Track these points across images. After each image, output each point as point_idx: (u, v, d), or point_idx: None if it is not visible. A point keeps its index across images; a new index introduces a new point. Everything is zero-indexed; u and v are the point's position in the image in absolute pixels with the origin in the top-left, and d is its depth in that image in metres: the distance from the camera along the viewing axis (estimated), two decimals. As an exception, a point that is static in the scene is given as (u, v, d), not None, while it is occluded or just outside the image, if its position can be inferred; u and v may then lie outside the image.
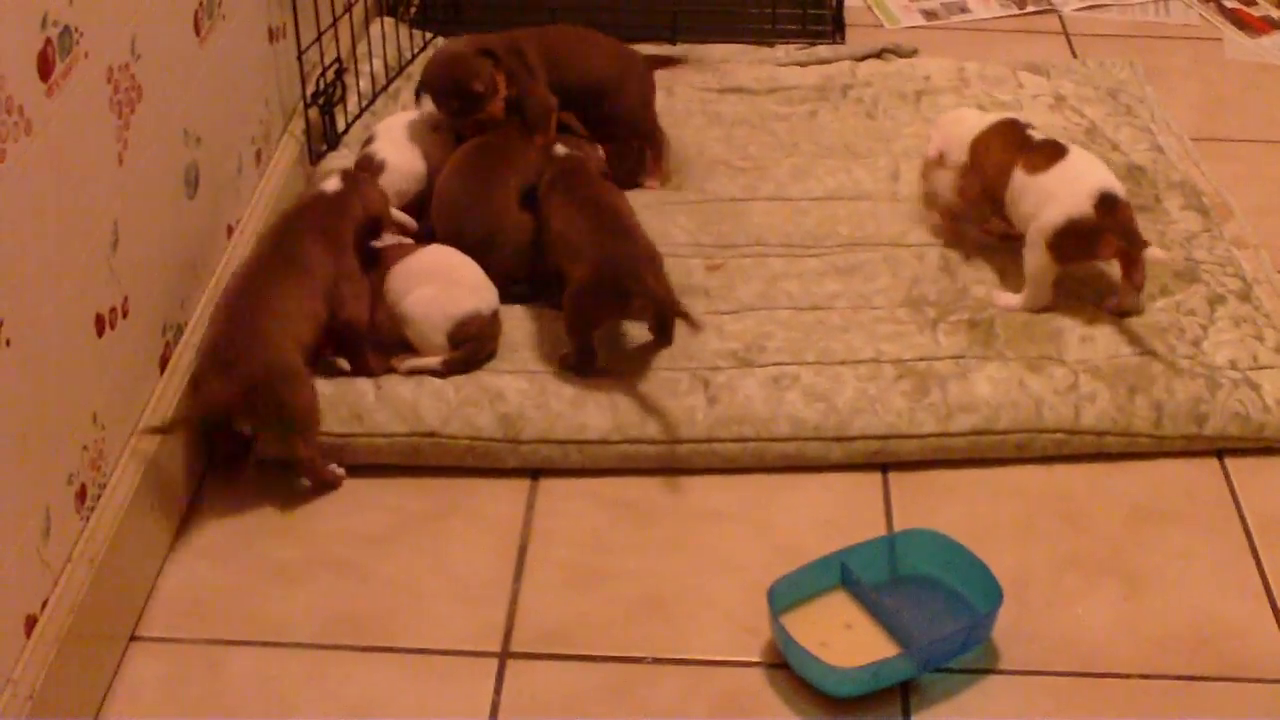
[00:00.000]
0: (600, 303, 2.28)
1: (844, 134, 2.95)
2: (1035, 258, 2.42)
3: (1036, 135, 2.53)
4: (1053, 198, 2.39)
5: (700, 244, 2.61)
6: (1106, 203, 2.37)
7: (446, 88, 2.54)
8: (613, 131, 2.75)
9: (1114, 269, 2.46)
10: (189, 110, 2.21)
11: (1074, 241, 2.38)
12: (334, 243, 2.29)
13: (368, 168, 2.54)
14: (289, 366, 2.13)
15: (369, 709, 1.87)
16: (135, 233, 2.01)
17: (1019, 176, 2.46)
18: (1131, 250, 2.37)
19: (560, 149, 2.53)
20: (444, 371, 2.27)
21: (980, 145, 2.57)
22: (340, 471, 2.20)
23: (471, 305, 2.29)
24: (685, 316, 2.24)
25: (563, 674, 1.92)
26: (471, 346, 2.29)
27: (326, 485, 2.18)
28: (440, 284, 2.30)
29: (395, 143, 2.57)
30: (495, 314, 2.33)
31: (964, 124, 2.63)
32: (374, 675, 1.91)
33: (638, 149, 2.80)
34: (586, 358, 2.30)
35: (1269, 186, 2.92)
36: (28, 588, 1.74)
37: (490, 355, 2.32)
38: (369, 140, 2.61)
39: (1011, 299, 2.46)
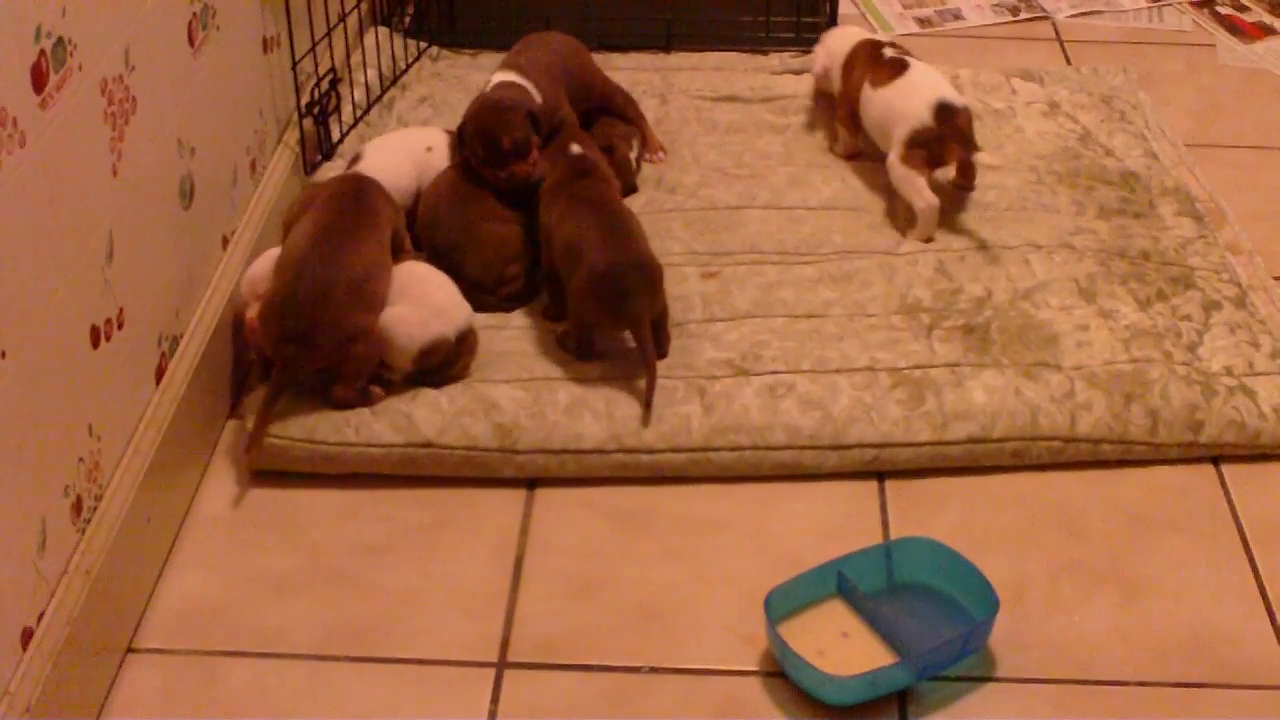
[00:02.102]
0: (594, 309, 2.29)
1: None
2: (894, 171, 2.64)
3: (888, 53, 2.76)
4: (897, 112, 2.63)
5: (695, 252, 2.61)
6: (944, 111, 2.60)
7: (476, 133, 2.49)
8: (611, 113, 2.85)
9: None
10: (183, 121, 2.21)
11: (922, 151, 2.60)
12: (392, 199, 2.41)
13: None
14: (358, 328, 2.21)
15: (367, 719, 1.88)
16: (130, 244, 2.01)
17: (865, 90, 2.72)
18: (965, 154, 2.65)
19: (575, 148, 2.51)
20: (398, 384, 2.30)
21: (846, 67, 2.83)
22: (378, 391, 2.26)
23: (437, 331, 2.26)
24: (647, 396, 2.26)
25: (560, 684, 1.92)
26: (436, 373, 2.28)
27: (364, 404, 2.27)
28: (410, 304, 2.27)
29: (382, 163, 2.56)
30: (464, 334, 2.29)
31: (844, 40, 2.89)
32: (371, 686, 1.91)
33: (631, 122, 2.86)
34: (585, 347, 2.33)
35: (1263, 192, 2.92)
36: (24, 600, 1.74)
37: (462, 372, 2.31)
38: (356, 159, 2.60)
39: (913, 232, 2.64)
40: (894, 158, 2.63)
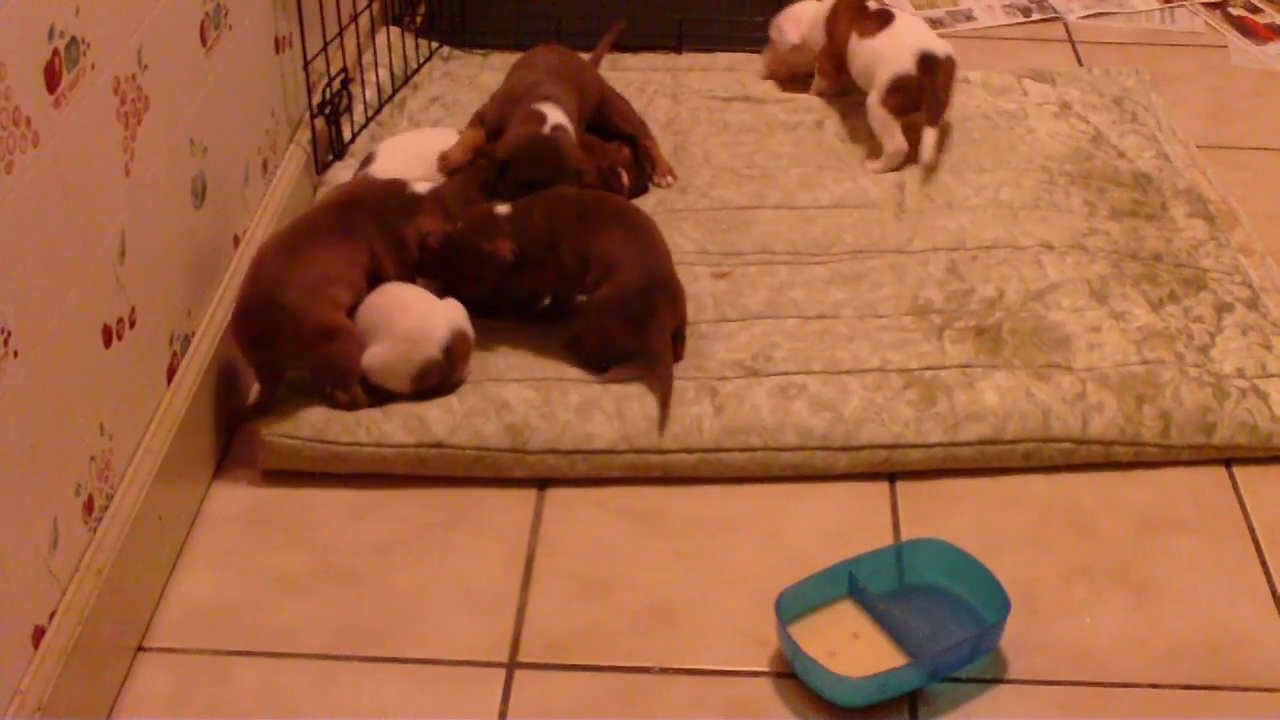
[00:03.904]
0: (619, 327, 2.29)
1: (850, 145, 2.94)
2: (873, 113, 2.86)
3: (872, 6, 2.98)
4: (882, 59, 2.85)
5: (707, 252, 2.61)
6: (927, 61, 2.83)
7: (525, 174, 2.44)
8: (619, 135, 2.80)
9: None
10: (195, 120, 2.21)
11: (901, 96, 2.82)
12: (387, 228, 2.33)
13: None
14: (324, 326, 2.21)
15: (376, 719, 1.87)
16: (142, 243, 2.01)
17: (853, 41, 2.93)
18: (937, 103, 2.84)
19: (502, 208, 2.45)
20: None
21: (830, 22, 3.01)
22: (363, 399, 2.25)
23: (421, 357, 2.24)
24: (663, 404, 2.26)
25: (570, 684, 1.92)
26: (438, 388, 2.27)
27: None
28: (389, 341, 2.25)
29: (394, 166, 2.55)
30: (450, 346, 2.26)
31: (808, 8, 3.09)
32: (381, 685, 1.91)
33: (642, 149, 2.81)
34: (598, 361, 2.32)
35: (1275, 194, 2.91)
36: (35, 599, 1.74)
37: (460, 379, 2.30)
38: (368, 159, 2.60)
39: (876, 164, 2.85)
40: (874, 99, 2.85)
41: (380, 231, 2.32)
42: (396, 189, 2.40)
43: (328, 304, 2.22)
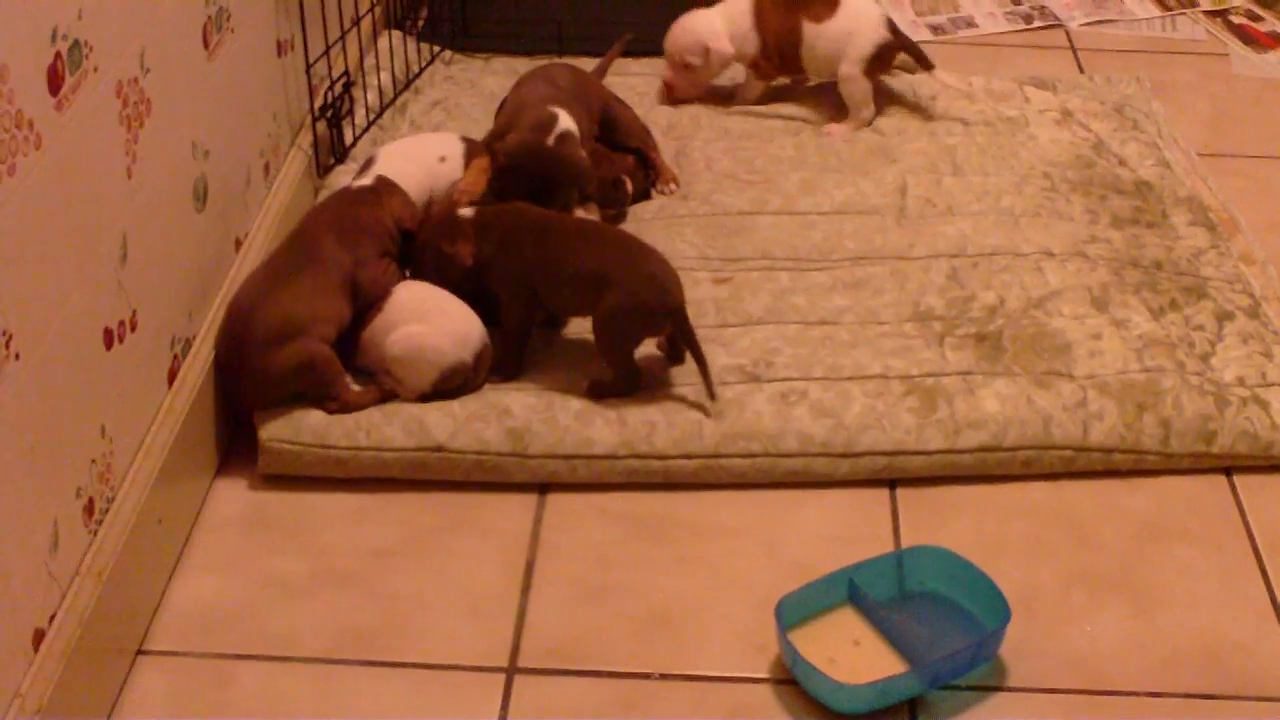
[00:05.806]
0: (642, 321, 2.29)
1: (851, 148, 2.95)
2: (856, 84, 3.00)
3: None
4: (853, 35, 2.99)
5: (707, 257, 2.61)
6: (891, 26, 3.03)
7: (521, 175, 2.47)
8: (623, 146, 2.80)
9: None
10: (198, 124, 2.21)
11: (882, 62, 3.03)
12: (349, 234, 2.32)
13: None
14: (292, 370, 2.21)
15: (376, 724, 1.88)
16: (144, 246, 2.01)
17: (809, 29, 3.02)
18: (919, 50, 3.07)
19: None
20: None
21: (760, 21, 3.04)
22: (369, 401, 2.25)
23: (457, 357, 2.26)
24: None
25: (570, 689, 1.92)
26: (452, 394, 2.27)
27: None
28: (430, 328, 2.27)
29: (393, 170, 2.55)
30: (480, 353, 2.29)
31: (713, 18, 3.05)
32: (381, 690, 1.91)
33: (646, 159, 2.81)
34: (635, 376, 2.30)
35: (1276, 202, 2.92)
36: (35, 601, 1.74)
37: (478, 388, 2.30)
38: (369, 163, 2.59)
39: (839, 128, 3.01)
40: (853, 71, 2.99)
41: (344, 239, 2.31)
42: (339, 194, 2.44)
43: (294, 349, 2.21)
